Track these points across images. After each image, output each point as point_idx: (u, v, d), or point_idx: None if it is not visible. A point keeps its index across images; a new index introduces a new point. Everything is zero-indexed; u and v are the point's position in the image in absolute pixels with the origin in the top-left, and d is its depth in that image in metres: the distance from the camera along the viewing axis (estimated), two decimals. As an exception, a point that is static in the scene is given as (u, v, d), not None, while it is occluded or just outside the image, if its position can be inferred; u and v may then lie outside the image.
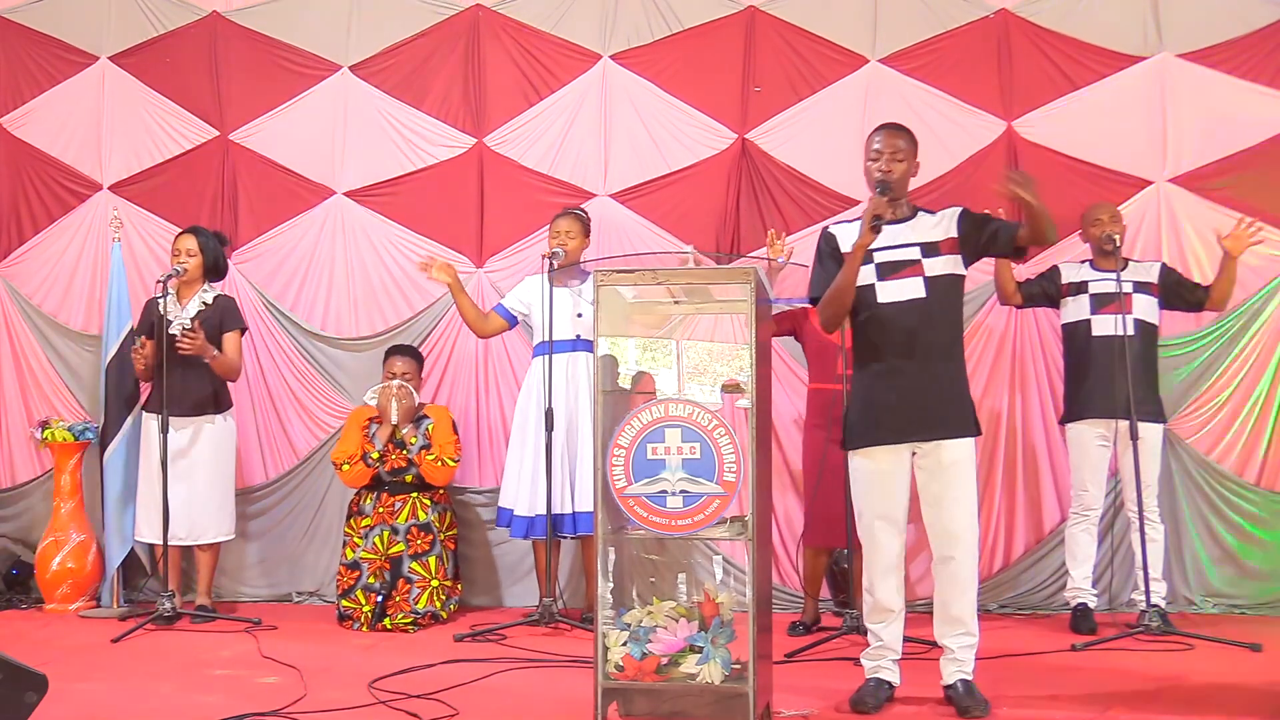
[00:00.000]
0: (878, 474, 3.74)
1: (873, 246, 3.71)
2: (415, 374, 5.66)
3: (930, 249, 3.75)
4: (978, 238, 3.77)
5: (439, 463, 5.45)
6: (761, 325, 3.53)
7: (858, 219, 3.76)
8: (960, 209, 3.84)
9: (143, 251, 6.21)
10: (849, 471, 3.88)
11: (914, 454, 3.75)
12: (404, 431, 5.49)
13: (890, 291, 3.72)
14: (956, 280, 3.80)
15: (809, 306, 5.15)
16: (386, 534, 5.40)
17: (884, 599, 3.77)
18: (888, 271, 3.73)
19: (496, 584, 5.91)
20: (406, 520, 5.43)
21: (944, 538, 3.72)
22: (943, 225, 3.80)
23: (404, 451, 5.48)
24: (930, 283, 3.72)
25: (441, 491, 5.60)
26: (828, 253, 3.84)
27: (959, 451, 3.72)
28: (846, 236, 3.78)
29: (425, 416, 5.59)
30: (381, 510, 5.45)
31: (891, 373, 3.72)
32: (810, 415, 5.21)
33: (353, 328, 6.12)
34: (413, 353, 5.73)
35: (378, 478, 5.51)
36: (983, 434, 3.88)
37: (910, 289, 3.71)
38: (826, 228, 3.93)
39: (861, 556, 4.91)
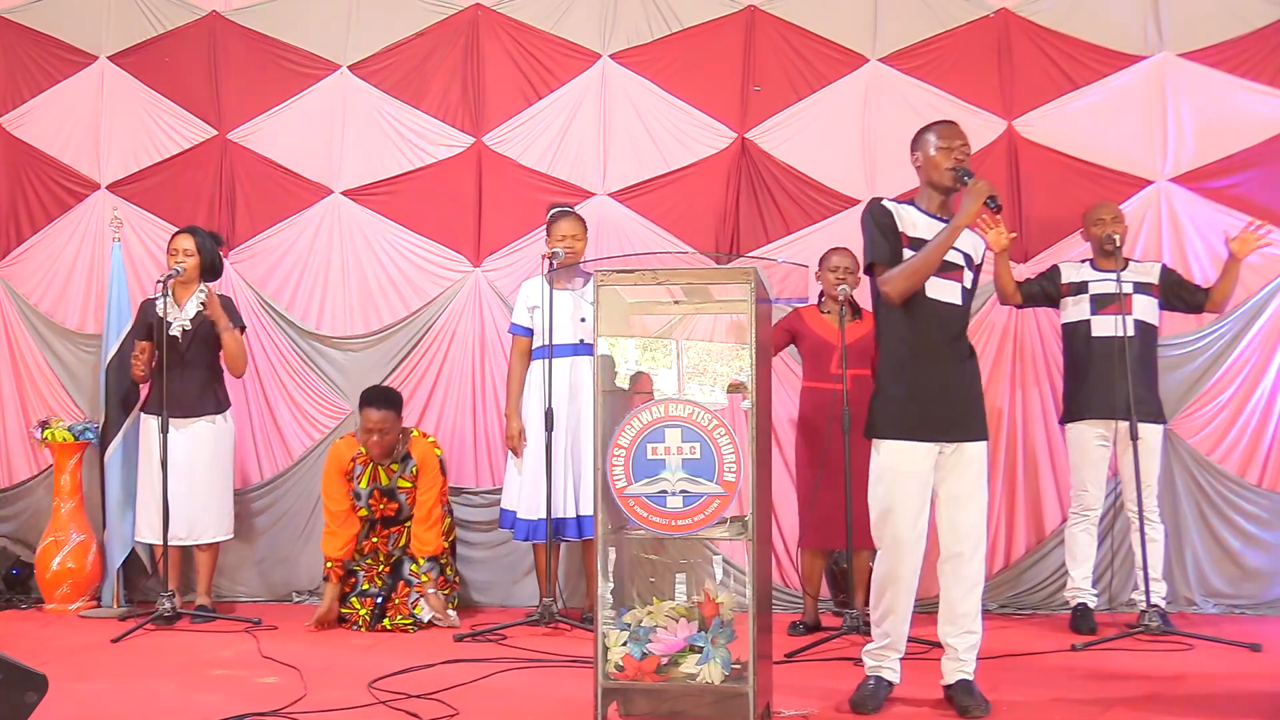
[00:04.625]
0: (913, 475, 3.69)
1: (920, 235, 3.70)
2: (393, 422, 5.29)
3: (970, 261, 3.80)
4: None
5: (429, 534, 5.26)
6: (761, 325, 3.52)
7: (908, 201, 3.79)
8: (984, 246, 3.95)
9: (139, 251, 6.21)
10: (872, 464, 3.77)
11: (940, 452, 3.74)
12: (388, 483, 5.30)
13: (937, 288, 3.72)
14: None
15: (800, 308, 5.17)
16: (383, 555, 5.38)
17: (901, 596, 3.71)
18: (938, 268, 3.73)
19: (496, 584, 5.91)
20: (403, 545, 5.38)
21: (958, 534, 3.70)
22: (976, 246, 3.86)
23: (393, 501, 5.33)
24: (965, 292, 3.78)
25: (443, 478, 5.41)
26: (886, 224, 3.75)
27: (978, 450, 3.75)
28: (904, 216, 3.75)
29: (409, 456, 5.35)
30: (376, 540, 5.38)
31: (933, 369, 3.71)
32: (804, 414, 5.19)
33: (348, 327, 6.11)
34: (387, 400, 5.32)
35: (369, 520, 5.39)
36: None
37: (951, 292, 3.74)
38: (878, 199, 3.83)
39: (860, 556, 4.98)
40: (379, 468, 5.31)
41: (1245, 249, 5.10)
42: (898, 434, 3.72)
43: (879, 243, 3.74)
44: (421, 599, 5.20)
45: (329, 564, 5.32)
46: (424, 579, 5.26)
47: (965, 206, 3.68)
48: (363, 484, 5.30)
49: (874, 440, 3.77)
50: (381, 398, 5.32)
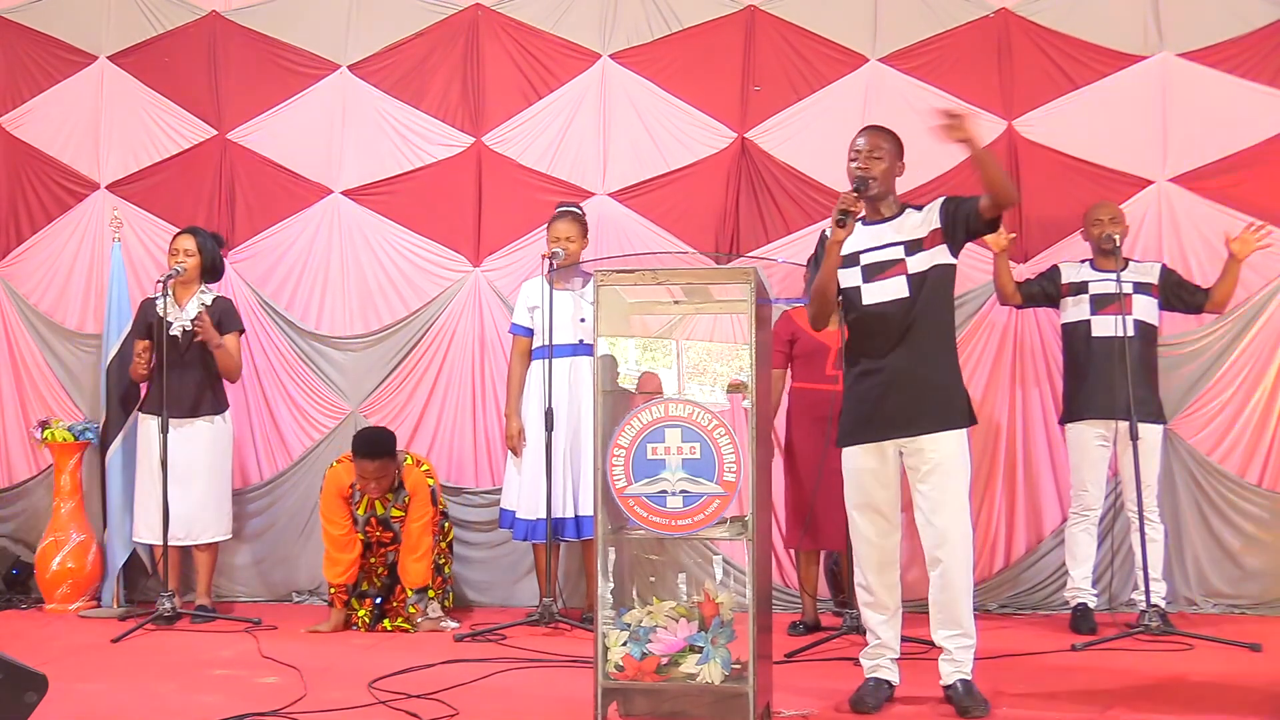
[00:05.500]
0: (862, 471, 3.77)
1: (859, 249, 3.74)
2: (389, 467, 5.13)
3: (913, 246, 3.75)
4: (954, 223, 3.74)
5: (417, 566, 5.18)
6: (761, 325, 3.53)
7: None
8: (943, 198, 3.82)
9: (139, 251, 6.21)
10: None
11: (900, 452, 3.76)
12: (383, 512, 5.22)
13: (874, 293, 3.74)
14: (945, 271, 3.76)
15: (789, 310, 5.17)
16: (382, 567, 5.35)
17: (879, 596, 3.78)
18: (872, 273, 3.75)
19: (496, 584, 5.90)
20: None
21: (935, 539, 3.72)
22: (927, 219, 3.79)
23: (388, 531, 5.25)
24: (913, 280, 3.72)
25: (434, 508, 5.29)
26: (820, 255, 3.84)
27: (944, 447, 3.70)
28: None
29: (402, 486, 5.21)
30: (374, 560, 5.32)
31: (873, 371, 3.75)
32: (792, 415, 5.18)
33: (348, 327, 6.10)
34: (382, 449, 5.12)
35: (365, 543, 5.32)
36: (977, 423, 3.87)
37: (893, 289, 3.73)
38: (824, 230, 3.92)
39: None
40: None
41: (1245, 250, 5.10)
42: (849, 440, 3.80)
43: (810, 278, 3.85)
44: (415, 628, 5.19)
45: (332, 589, 5.28)
46: (411, 610, 5.21)
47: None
48: (360, 511, 5.24)
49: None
50: (376, 448, 5.11)
